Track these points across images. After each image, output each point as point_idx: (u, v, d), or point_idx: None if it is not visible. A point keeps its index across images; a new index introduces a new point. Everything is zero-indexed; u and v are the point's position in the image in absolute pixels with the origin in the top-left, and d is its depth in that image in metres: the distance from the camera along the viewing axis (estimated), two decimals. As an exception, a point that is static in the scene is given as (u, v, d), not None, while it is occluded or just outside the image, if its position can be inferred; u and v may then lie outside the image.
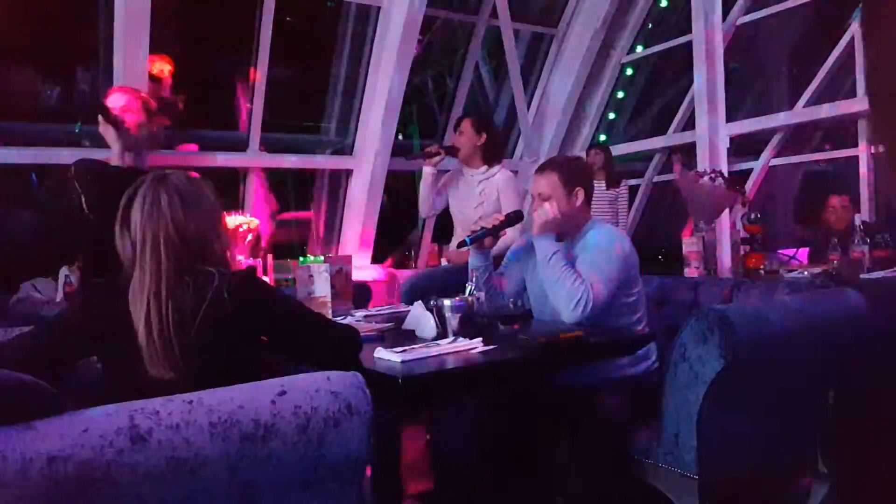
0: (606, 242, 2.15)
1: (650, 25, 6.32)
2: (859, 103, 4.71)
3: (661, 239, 6.14)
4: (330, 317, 2.14)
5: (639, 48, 6.31)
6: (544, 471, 2.19)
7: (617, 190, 5.12)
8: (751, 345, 1.79)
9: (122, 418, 1.00)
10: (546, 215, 2.16)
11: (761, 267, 3.27)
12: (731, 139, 5.33)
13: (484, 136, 3.39)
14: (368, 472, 2.03)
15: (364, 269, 4.72)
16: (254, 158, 4.72)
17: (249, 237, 3.21)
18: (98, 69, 4.35)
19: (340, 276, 2.46)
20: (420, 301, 2.06)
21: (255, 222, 3.72)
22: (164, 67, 2.39)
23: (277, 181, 5.38)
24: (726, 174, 3.97)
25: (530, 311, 2.21)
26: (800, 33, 5.94)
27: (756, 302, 2.42)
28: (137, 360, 1.41)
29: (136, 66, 4.02)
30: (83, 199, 2.23)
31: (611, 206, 5.10)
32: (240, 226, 3.54)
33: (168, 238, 1.47)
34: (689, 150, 5.41)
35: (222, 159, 4.60)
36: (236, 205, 4.56)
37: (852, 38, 4.75)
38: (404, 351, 1.67)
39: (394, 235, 5.85)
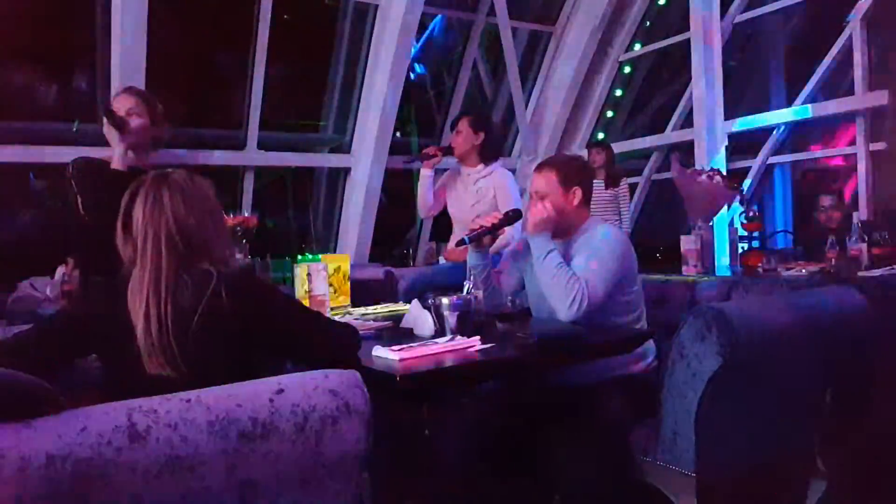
0: (604, 241, 2.15)
1: (648, 23, 6.33)
2: (857, 101, 4.72)
3: (660, 237, 6.14)
4: (328, 315, 2.14)
5: (637, 46, 6.31)
6: (542, 469, 2.19)
7: (617, 189, 5.10)
8: (749, 343, 1.79)
9: (121, 416, 1.00)
10: (540, 214, 2.16)
11: (759, 264, 3.27)
12: (729, 137, 5.34)
13: (481, 134, 3.36)
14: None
15: (362, 268, 4.71)
16: (251, 157, 4.72)
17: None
18: (95, 68, 4.35)
19: (338, 274, 2.46)
20: (418, 299, 2.06)
21: (252, 221, 3.70)
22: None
23: (275, 180, 5.38)
24: (724, 172, 3.98)
25: (528, 309, 2.21)
26: (798, 31, 5.94)
27: (754, 299, 2.42)
28: (136, 358, 1.41)
29: (133, 65, 4.03)
30: (79, 200, 2.22)
31: (611, 205, 5.07)
32: (236, 225, 3.53)
33: (169, 236, 1.47)
34: (687, 149, 5.41)
35: (220, 158, 4.60)
36: (235, 204, 4.56)
37: (850, 36, 4.76)
38: (402, 349, 1.67)
39: (392, 234, 5.85)
